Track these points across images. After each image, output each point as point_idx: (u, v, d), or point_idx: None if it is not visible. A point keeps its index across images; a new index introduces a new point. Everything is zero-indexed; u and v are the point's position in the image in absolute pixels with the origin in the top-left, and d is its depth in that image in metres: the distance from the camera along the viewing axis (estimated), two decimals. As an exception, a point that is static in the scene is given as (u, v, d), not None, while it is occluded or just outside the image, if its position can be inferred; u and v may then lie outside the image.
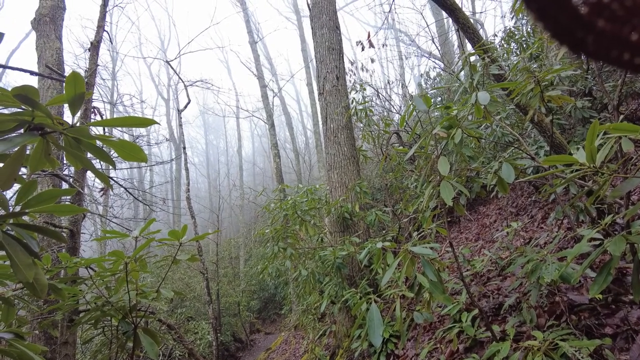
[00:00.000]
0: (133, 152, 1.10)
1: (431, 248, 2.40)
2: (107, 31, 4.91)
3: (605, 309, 2.34)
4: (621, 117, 2.64)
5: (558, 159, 1.43)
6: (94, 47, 4.31)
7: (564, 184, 2.21)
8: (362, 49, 6.41)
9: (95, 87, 4.65)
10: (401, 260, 2.25)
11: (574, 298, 2.55)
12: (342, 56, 6.52)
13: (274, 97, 15.72)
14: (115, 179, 6.15)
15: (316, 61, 6.53)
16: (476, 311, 3.04)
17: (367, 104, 6.03)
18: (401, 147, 6.21)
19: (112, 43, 6.78)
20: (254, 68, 14.78)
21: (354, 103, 5.92)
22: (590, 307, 2.42)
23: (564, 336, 2.16)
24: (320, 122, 6.43)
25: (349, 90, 6.31)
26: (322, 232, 5.27)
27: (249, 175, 34.94)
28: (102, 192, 5.83)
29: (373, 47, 6.34)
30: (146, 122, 1.06)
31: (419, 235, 3.62)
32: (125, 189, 5.38)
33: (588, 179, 2.63)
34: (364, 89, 6.06)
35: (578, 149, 1.57)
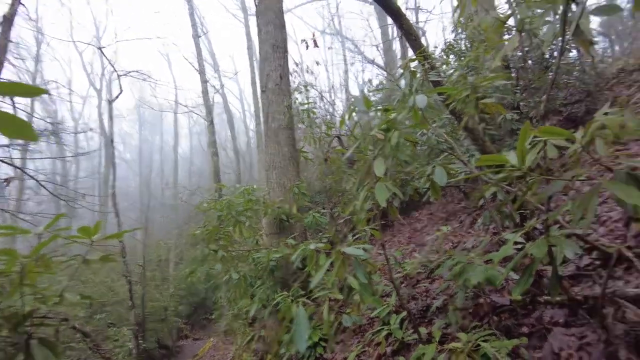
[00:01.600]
0: (17, 128, 0.90)
1: (364, 250, 2.36)
2: (24, 4, 4.39)
3: (523, 310, 2.44)
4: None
5: (491, 158, 1.43)
6: (7, 20, 3.83)
7: (492, 186, 2.27)
8: (307, 47, 6.37)
9: (6, 66, 4.13)
10: (333, 262, 2.19)
11: (496, 300, 2.64)
12: (287, 56, 6.41)
13: (215, 93, 15.20)
14: (26, 170, 5.53)
15: (260, 58, 6.37)
16: (405, 313, 3.06)
17: (310, 105, 5.96)
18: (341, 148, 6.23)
19: (32, 20, 6.12)
20: (196, 63, 14.18)
21: (297, 104, 5.83)
22: (510, 308, 2.51)
23: (486, 337, 2.21)
24: (262, 121, 6.29)
25: (292, 91, 6.21)
26: (257, 234, 5.10)
27: (185, 174, 33.54)
28: (5, 182, 5.18)
29: (317, 46, 6.32)
30: (34, 91, 0.89)
31: (354, 238, 3.60)
32: (37, 180, 4.84)
33: (514, 186, 2.74)
34: (308, 91, 5.99)
35: (509, 150, 1.59)
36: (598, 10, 1.77)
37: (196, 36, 14.41)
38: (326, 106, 9.12)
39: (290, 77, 6.54)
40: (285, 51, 6.29)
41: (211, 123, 12.31)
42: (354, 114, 3.02)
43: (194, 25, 14.61)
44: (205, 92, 13.09)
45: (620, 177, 1.24)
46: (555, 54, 5.33)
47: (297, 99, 6.05)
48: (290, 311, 2.58)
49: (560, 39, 2.03)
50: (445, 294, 3.17)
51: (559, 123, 5.72)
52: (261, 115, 6.32)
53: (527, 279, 1.68)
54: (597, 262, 2.44)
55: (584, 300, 2.11)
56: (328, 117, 8.57)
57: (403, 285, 4.13)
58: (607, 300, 1.94)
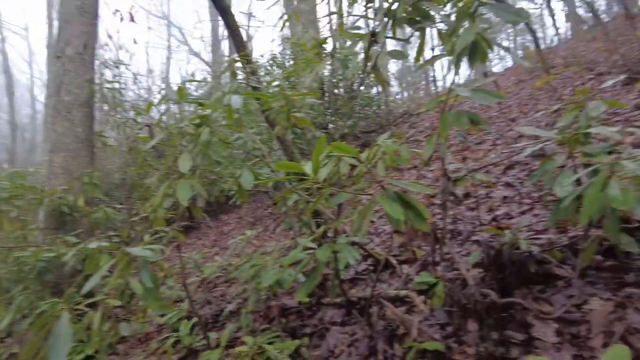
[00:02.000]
0: None
1: (159, 250, 2.16)
2: None
3: (308, 311, 2.62)
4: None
5: (288, 165, 1.47)
6: None
7: (293, 196, 2.39)
8: (122, 19, 5.65)
9: None
10: (117, 263, 1.92)
11: (286, 302, 2.77)
12: (97, 23, 5.54)
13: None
14: None
15: (60, 19, 5.33)
16: (196, 319, 2.94)
17: (119, 85, 5.27)
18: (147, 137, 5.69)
19: None
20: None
21: (102, 80, 5.08)
22: (297, 310, 2.67)
23: (272, 339, 2.28)
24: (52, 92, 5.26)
25: (98, 65, 5.38)
26: (26, 227, 4.16)
27: None
28: None
29: (134, 21, 5.68)
30: None
31: (152, 238, 3.30)
32: None
33: (313, 195, 2.95)
34: (118, 68, 5.30)
35: (307, 162, 1.68)
36: (391, 54, 2.05)
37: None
38: (140, 91, 8.29)
39: (98, 50, 5.68)
40: (95, 17, 5.42)
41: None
42: (169, 104, 2.78)
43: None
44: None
45: (390, 195, 1.43)
46: (362, 86, 6.11)
47: (103, 74, 5.28)
48: (55, 320, 2.16)
49: (362, 73, 2.28)
50: (241, 298, 3.18)
51: (356, 147, 6.56)
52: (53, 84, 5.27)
53: (312, 281, 1.79)
54: (371, 268, 2.82)
55: (357, 301, 2.39)
56: (141, 103, 7.79)
57: (200, 289, 3.98)
58: (374, 301, 2.25)
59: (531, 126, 3.51)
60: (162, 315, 3.34)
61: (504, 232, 2.09)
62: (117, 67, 6.36)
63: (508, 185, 3.17)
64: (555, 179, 1.59)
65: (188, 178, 2.28)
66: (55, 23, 14.55)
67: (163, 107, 2.91)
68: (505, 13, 1.33)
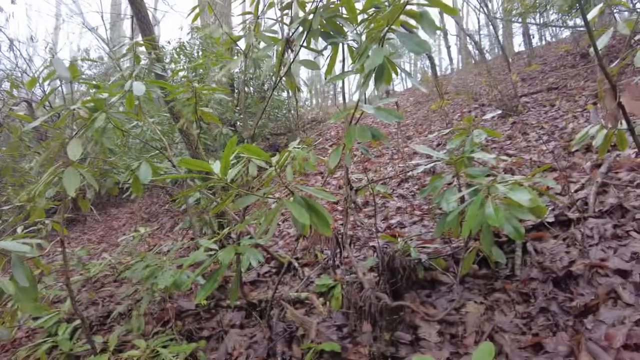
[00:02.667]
0: None
1: (39, 246, 1.93)
2: None
3: (207, 314, 2.56)
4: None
5: (195, 163, 1.43)
6: None
7: (196, 192, 2.31)
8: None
9: None
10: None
11: (183, 304, 2.66)
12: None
13: None
14: None
15: None
16: (79, 321, 2.67)
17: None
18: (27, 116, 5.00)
19: None
20: None
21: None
22: (195, 313, 2.58)
23: (167, 342, 2.18)
24: None
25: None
26: None
27: None
28: None
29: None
30: None
31: (26, 230, 2.92)
32: None
33: (217, 195, 2.88)
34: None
35: (215, 161, 1.64)
36: (304, 62, 2.10)
37: None
38: (17, 60, 7.23)
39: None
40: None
41: None
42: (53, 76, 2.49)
43: None
44: None
45: (298, 200, 1.47)
46: (274, 91, 6.12)
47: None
48: None
49: (275, 76, 2.31)
50: (132, 299, 2.97)
51: (264, 148, 6.56)
52: None
53: (212, 283, 1.76)
54: (274, 270, 2.84)
55: (258, 303, 2.39)
56: (18, 74, 6.79)
57: (84, 288, 3.63)
58: (275, 303, 2.27)
59: (425, 145, 3.88)
60: (35, 318, 2.97)
61: (397, 240, 2.28)
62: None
63: (402, 197, 3.46)
64: (443, 195, 1.78)
65: (77, 166, 2.07)
66: None
67: (48, 84, 2.59)
68: (410, 42, 1.46)
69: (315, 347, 1.77)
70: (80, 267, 3.75)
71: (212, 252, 2.05)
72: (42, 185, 2.14)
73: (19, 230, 3.08)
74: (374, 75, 1.66)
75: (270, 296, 2.23)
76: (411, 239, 2.43)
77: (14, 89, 5.01)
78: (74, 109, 2.16)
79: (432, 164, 2.08)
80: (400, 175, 3.73)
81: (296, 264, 2.72)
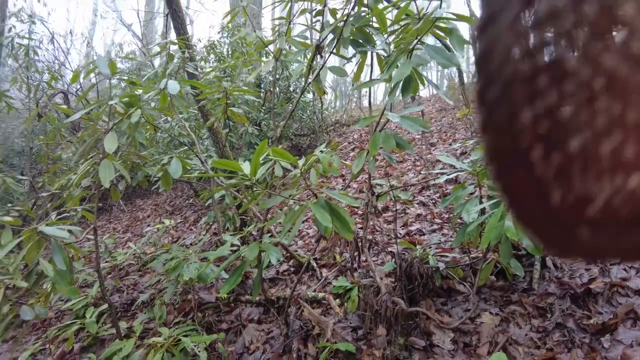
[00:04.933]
0: None
1: (70, 231, 2.04)
2: None
3: (226, 307, 2.64)
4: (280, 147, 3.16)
5: (228, 164, 1.50)
6: None
7: (222, 189, 2.40)
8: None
9: None
10: (23, 242, 1.79)
11: (204, 297, 2.75)
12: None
13: None
14: None
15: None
16: (105, 306, 2.80)
17: (33, 42, 4.78)
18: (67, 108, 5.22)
19: None
20: None
21: (13, 33, 4.56)
22: (215, 305, 2.67)
23: (188, 332, 2.27)
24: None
25: (9, 15, 4.83)
26: None
27: None
28: None
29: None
30: None
31: (60, 217, 3.07)
32: None
33: (241, 193, 2.97)
34: (34, 23, 4.80)
35: (245, 161, 1.72)
36: (332, 69, 2.16)
37: None
38: (57, 52, 7.54)
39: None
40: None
41: None
42: (92, 74, 2.63)
43: None
44: None
45: (321, 203, 1.53)
46: (298, 90, 6.21)
47: (13, 27, 4.75)
48: None
49: (303, 79, 2.38)
50: (155, 288, 3.09)
51: (287, 148, 6.65)
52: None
53: (236, 278, 1.83)
54: (292, 269, 2.91)
55: (276, 300, 2.47)
56: (57, 65, 7.09)
57: (110, 276, 3.78)
58: (293, 301, 2.34)
59: (449, 154, 3.88)
60: (65, 301, 3.13)
61: (415, 247, 2.31)
62: (32, 22, 5.74)
63: (423, 204, 3.48)
64: (464, 205, 1.81)
65: (111, 159, 2.19)
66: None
67: (85, 76, 2.73)
68: (439, 56, 1.50)
69: (331, 347, 1.83)
70: (107, 255, 3.92)
71: (235, 248, 2.13)
72: (79, 175, 2.26)
73: (52, 215, 3.23)
74: (401, 85, 1.70)
75: (288, 294, 2.30)
76: (430, 247, 2.46)
77: (53, 81, 5.25)
78: (111, 104, 2.28)
79: (455, 174, 2.11)
80: (422, 183, 3.75)
81: (315, 265, 2.78)
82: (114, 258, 3.81)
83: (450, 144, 5.42)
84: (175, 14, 3.77)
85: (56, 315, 3.16)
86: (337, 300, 2.30)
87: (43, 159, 4.88)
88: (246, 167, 1.59)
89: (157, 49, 3.77)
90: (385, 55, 2.07)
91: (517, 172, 0.24)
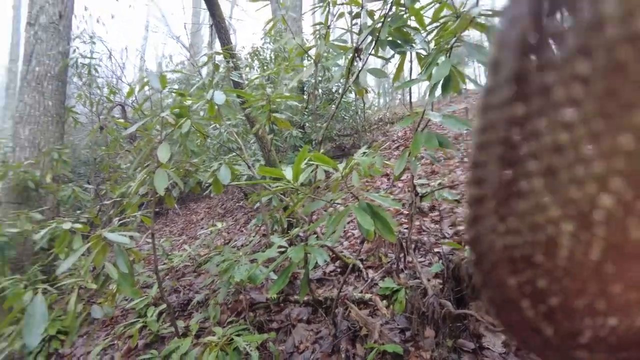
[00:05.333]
0: None
1: (131, 237, 2.20)
2: None
3: (276, 307, 2.73)
4: (321, 151, 3.21)
5: (270, 170, 1.56)
6: None
7: (269, 193, 2.48)
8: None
9: None
10: (91, 247, 1.96)
11: (255, 297, 2.86)
12: (74, -6, 5.37)
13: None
14: None
15: (34, -18, 5.14)
16: (164, 306, 2.98)
17: (94, 60, 5.17)
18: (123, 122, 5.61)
19: None
20: None
21: (77, 53, 4.95)
22: (265, 305, 2.76)
23: (240, 331, 2.37)
24: (21, 60, 5.06)
25: (73, 37, 5.24)
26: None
27: None
28: None
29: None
30: None
31: (120, 222, 3.31)
32: None
33: (287, 196, 3.05)
34: (94, 43, 5.18)
35: (287, 167, 1.78)
36: (372, 71, 2.17)
37: None
38: (114, 68, 8.07)
39: (74, 21, 5.50)
40: (72, -12, 5.26)
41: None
42: (146, 87, 2.81)
43: None
44: None
45: (363, 206, 1.55)
46: (340, 91, 6.24)
47: (77, 48, 5.15)
48: (20, 298, 2.16)
49: (344, 81, 2.40)
50: (209, 289, 3.25)
51: (331, 149, 6.70)
52: (22, 52, 5.07)
53: (284, 279, 1.89)
54: (339, 270, 2.95)
55: (324, 300, 2.51)
56: (114, 80, 7.60)
57: (167, 277, 4.01)
58: (340, 302, 2.38)
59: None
60: (129, 300, 3.36)
61: (464, 247, 2.27)
62: (93, 43, 6.19)
63: (471, 200, 3.37)
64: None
65: (165, 167, 2.32)
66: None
67: (139, 90, 2.94)
68: (478, 54, 1.47)
69: (378, 348, 1.84)
70: (164, 257, 4.16)
71: (283, 250, 2.20)
72: (137, 184, 2.43)
73: (114, 221, 3.49)
74: (441, 84, 1.69)
75: (335, 295, 2.34)
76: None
77: (112, 95, 5.65)
78: (162, 116, 2.42)
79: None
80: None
81: (360, 266, 2.80)
82: (171, 260, 4.04)
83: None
84: (219, 25, 3.92)
85: (122, 313, 3.41)
86: (384, 301, 2.30)
87: (105, 168, 5.26)
88: (288, 173, 1.64)
89: (204, 59, 3.96)
90: (425, 53, 2.05)
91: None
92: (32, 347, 1.80)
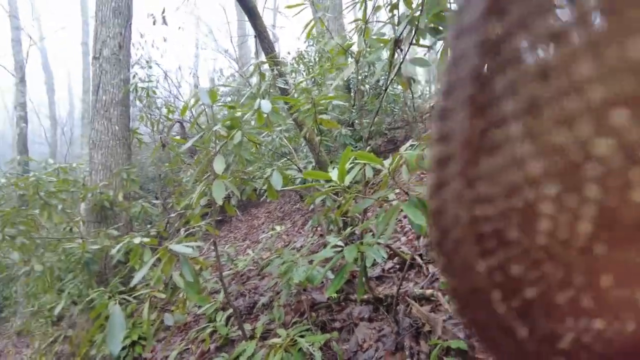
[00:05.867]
0: None
1: (196, 247, 2.33)
2: None
3: (337, 307, 2.75)
4: (368, 147, 3.18)
5: (316, 174, 1.59)
6: None
7: (321, 196, 2.50)
8: (154, 23, 5.87)
9: None
10: (160, 258, 2.10)
11: (316, 297, 2.90)
12: (130, 24, 5.79)
13: (30, 45, 12.63)
14: None
15: (96, 21, 5.60)
16: (231, 310, 3.12)
17: (152, 83, 5.54)
18: (182, 138, 5.94)
19: None
20: (6, 1, 11.52)
21: (136, 79, 5.33)
22: (327, 305, 2.79)
23: (303, 332, 2.42)
24: (90, 91, 5.58)
25: (132, 64, 5.65)
26: (72, 220, 4.48)
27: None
28: None
29: (167, 24, 5.88)
30: None
31: (187, 233, 3.51)
32: None
33: (340, 195, 3.06)
34: (151, 67, 5.54)
35: (334, 168, 1.79)
36: (414, 61, 2.11)
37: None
38: (170, 87, 8.59)
39: (132, 49, 5.94)
40: (129, 19, 5.68)
41: (22, 81, 10.13)
42: (199, 102, 2.95)
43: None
44: (16, 42, 10.71)
45: (412, 202, 1.52)
46: (387, 90, 6.14)
47: (136, 73, 5.54)
48: (106, 308, 2.37)
49: (387, 76, 2.36)
50: (272, 291, 3.34)
51: (383, 143, 6.61)
52: (91, 84, 5.59)
53: (340, 279, 1.91)
54: (397, 266, 2.91)
55: (384, 298, 2.49)
56: (171, 99, 8.09)
57: (233, 282, 4.18)
58: (401, 299, 2.34)
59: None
60: (199, 307, 3.55)
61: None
62: (149, 67, 6.63)
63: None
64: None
65: (222, 177, 2.42)
66: (89, 22, 15.22)
67: (192, 106, 3.11)
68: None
69: (442, 344, 1.79)
70: (229, 262, 4.34)
71: (339, 249, 2.21)
72: (197, 196, 2.56)
73: (181, 232, 3.72)
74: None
75: (395, 292, 2.31)
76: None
77: (170, 113, 6.02)
78: (215, 130, 2.54)
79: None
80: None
81: (420, 261, 2.74)
82: (236, 265, 4.21)
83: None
84: (262, 36, 4.02)
85: (194, 319, 3.61)
86: (447, 296, 2.23)
87: (170, 182, 5.61)
88: (334, 175, 1.65)
89: (251, 69, 4.10)
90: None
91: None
92: (116, 353, 1.96)
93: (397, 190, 1.82)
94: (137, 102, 5.70)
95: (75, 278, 4.02)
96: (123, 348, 3.35)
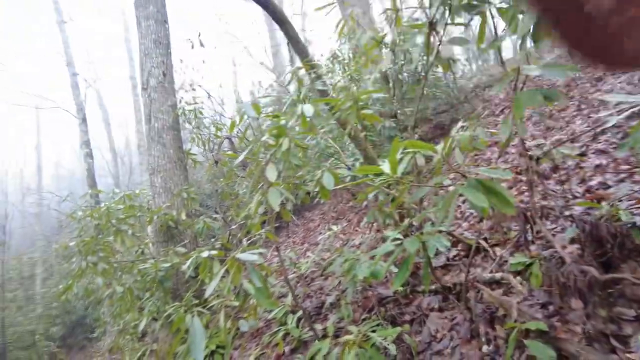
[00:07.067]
0: None
1: (260, 254, 2.41)
2: None
3: (405, 299, 2.72)
4: (416, 136, 3.13)
5: (368, 169, 1.59)
6: None
7: (374, 191, 2.50)
8: (192, 47, 6.14)
9: None
10: (228, 269, 2.19)
11: (382, 292, 2.89)
12: (170, 52, 6.12)
13: (87, 88, 13.63)
14: None
15: (140, 54, 5.96)
16: (301, 312, 3.18)
17: (197, 105, 5.79)
18: (232, 153, 6.15)
19: None
20: (63, 52, 12.53)
21: (183, 103, 5.59)
22: (394, 299, 2.78)
23: (375, 327, 2.42)
24: (143, 121, 5.95)
25: (177, 89, 5.94)
26: (142, 243, 4.78)
27: (51, 178, 29.53)
28: None
29: (203, 46, 6.13)
30: None
31: (249, 242, 3.63)
32: None
33: (392, 188, 3.03)
34: (194, 89, 5.79)
35: (384, 161, 1.78)
36: (452, 41, 2.06)
37: (61, 22, 12.72)
38: (214, 105, 8.93)
39: (174, 75, 6.25)
40: (169, 47, 5.99)
41: (83, 121, 10.98)
42: (244, 117, 3.05)
43: (56, 9, 12.84)
44: (75, 87, 11.61)
45: (472, 184, 1.48)
46: (425, 70, 6.00)
47: (182, 97, 5.81)
48: (184, 322, 2.51)
49: (425, 61, 2.32)
50: (338, 290, 3.37)
51: (429, 130, 6.45)
52: (142, 114, 5.97)
53: (404, 271, 1.89)
54: (462, 253, 2.83)
55: (453, 287, 2.44)
56: (217, 117, 8.41)
57: (298, 284, 4.26)
58: (470, 285, 2.28)
59: (621, 86, 3.21)
60: (269, 311, 3.65)
61: (600, 204, 2.01)
62: (193, 89, 6.94)
63: (600, 152, 2.96)
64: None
65: (276, 184, 2.50)
66: (134, 57, 16.19)
67: (239, 122, 3.23)
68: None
69: (519, 327, 1.73)
70: (292, 266, 4.43)
71: (399, 242, 2.19)
72: (255, 206, 2.65)
73: (243, 242, 3.85)
74: (530, 34, 1.54)
75: (463, 279, 2.25)
76: (620, 200, 2.11)
77: (218, 131, 6.27)
78: (263, 140, 2.62)
79: (633, 108, 1.77)
80: (594, 128, 3.21)
81: (485, 245, 2.65)
82: (299, 268, 4.29)
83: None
84: (294, 41, 4.08)
85: (265, 324, 3.72)
86: (518, 277, 2.15)
87: (226, 196, 5.83)
88: (386, 167, 1.64)
89: (289, 76, 4.18)
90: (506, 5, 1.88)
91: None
92: (199, 361, 2.07)
93: (452, 175, 1.78)
94: (187, 125, 5.97)
95: (152, 296, 4.28)
96: (204, 357, 3.52)
